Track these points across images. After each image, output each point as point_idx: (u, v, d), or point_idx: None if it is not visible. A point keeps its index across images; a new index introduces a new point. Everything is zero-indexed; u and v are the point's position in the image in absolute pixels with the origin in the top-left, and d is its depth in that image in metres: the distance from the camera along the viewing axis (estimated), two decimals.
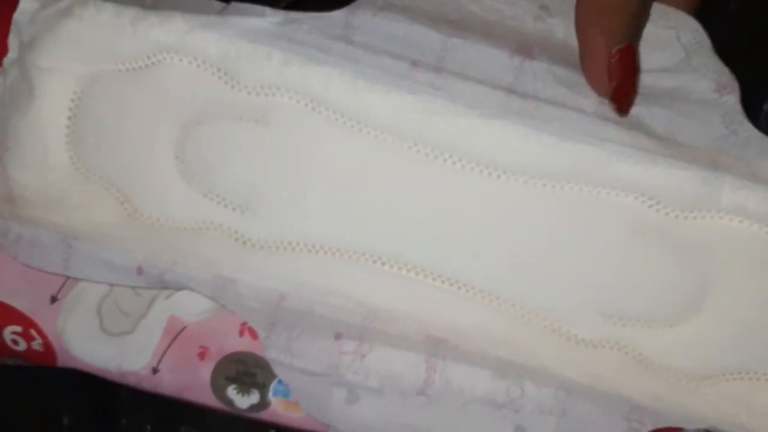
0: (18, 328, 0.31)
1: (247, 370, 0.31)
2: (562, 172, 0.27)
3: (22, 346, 0.31)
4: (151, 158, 0.29)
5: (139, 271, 0.28)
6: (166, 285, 0.29)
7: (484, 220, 0.28)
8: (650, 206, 0.27)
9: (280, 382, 0.31)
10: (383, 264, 0.29)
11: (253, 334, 0.30)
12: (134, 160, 0.29)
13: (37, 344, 0.31)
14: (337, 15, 0.28)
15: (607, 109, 0.27)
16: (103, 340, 0.31)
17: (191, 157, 0.29)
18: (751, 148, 0.27)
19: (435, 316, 0.28)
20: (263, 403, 0.31)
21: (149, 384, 0.32)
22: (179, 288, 0.29)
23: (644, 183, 0.27)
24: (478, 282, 0.28)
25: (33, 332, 0.31)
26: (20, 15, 0.28)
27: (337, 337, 0.28)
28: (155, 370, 0.31)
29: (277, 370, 0.28)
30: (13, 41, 0.29)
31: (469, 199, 0.28)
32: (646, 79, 0.28)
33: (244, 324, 0.30)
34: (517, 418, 0.27)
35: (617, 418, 0.27)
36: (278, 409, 0.31)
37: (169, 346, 0.31)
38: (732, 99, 0.27)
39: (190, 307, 0.31)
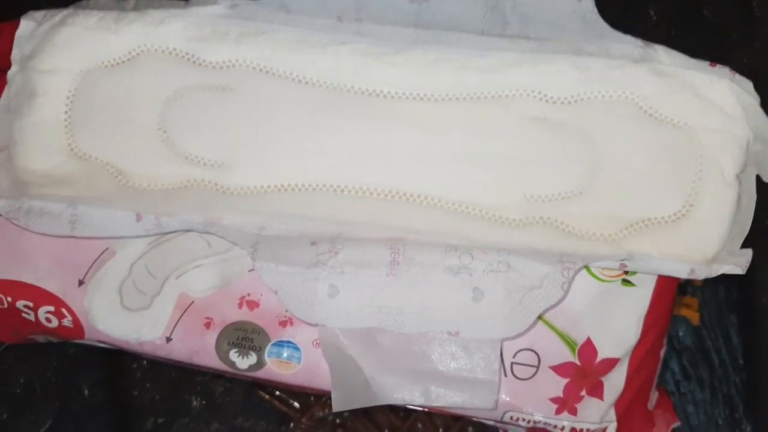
0: (51, 308, 0.35)
1: (246, 336, 0.35)
2: (470, 85, 0.34)
3: (55, 323, 0.35)
4: (138, 135, 0.35)
5: (138, 218, 0.33)
6: (163, 228, 0.34)
7: (419, 139, 0.35)
8: (541, 99, 0.34)
9: (273, 344, 0.35)
10: (342, 191, 0.35)
11: (251, 306, 0.35)
12: (124, 139, 0.35)
13: (67, 321, 0.35)
14: None
15: (491, 25, 0.35)
16: (123, 315, 0.35)
17: (172, 127, 0.35)
18: (607, 38, 0.34)
19: (393, 222, 0.34)
20: (260, 364, 0.36)
21: (163, 351, 0.36)
22: (174, 229, 0.34)
23: (532, 80, 0.34)
24: (420, 190, 0.34)
25: (64, 311, 0.35)
26: (21, 33, 0.35)
27: (313, 243, 0.33)
28: (168, 339, 0.35)
29: (265, 277, 0.32)
30: (15, 56, 0.35)
31: (402, 124, 0.35)
32: None
33: (242, 298, 0.35)
34: (472, 281, 0.32)
35: (553, 261, 0.32)
36: (272, 368, 0.36)
37: (179, 318, 0.35)
38: (589, 4, 0.35)
39: (197, 284, 0.35)
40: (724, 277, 0.47)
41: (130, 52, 0.35)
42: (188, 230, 0.34)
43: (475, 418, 0.37)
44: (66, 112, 0.35)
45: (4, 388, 0.45)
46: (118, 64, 0.35)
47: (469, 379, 0.33)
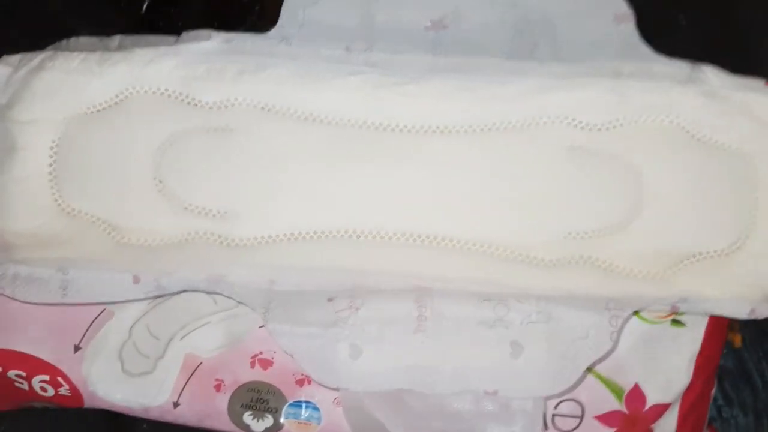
0: (46, 377, 0.32)
1: (261, 397, 0.32)
2: (495, 115, 0.31)
3: (51, 392, 0.33)
4: (131, 185, 0.32)
5: (136, 280, 0.30)
6: (163, 290, 0.30)
7: (440, 176, 0.31)
8: (575, 126, 0.31)
9: (290, 405, 0.32)
10: (359, 236, 0.31)
11: (264, 364, 0.33)
12: (115, 191, 0.32)
13: (64, 390, 0.32)
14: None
15: (518, 49, 0.31)
16: (126, 381, 0.32)
17: (168, 175, 0.32)
18: (648, 60, 0.31)
19: (417, 269, 0.31)
20: (276, 426, 0.33)
21: (171, 416, 0.33)
22: (176, 291, 0.31)
23: (565, 106, 0.31)
24: (447, 232, 0.31)
25: (60, 379, 0.32)
26: None
27: (330, 299, 0.30)
28: (176, 404, 0.32)
29: (280, 341, 0.29)
30: None
31: (420, 160, 0.31)
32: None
33: (254, 356, 0.33)
34: (510, 334, 0.29)
35: (599, 309, 0.29)
36: (290, 430, 0.33)
37: (187, 381, 0.32)
38: (629, 27, 0.31)
39: (204, 344, 0.33)
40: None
41: (117, 95, 0.31)
42: (191, 290, 0.30)
43: None
44: (50, 165, 0.32)
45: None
46: (104, 108, 0.31)
47: None
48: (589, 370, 0.31)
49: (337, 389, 0.30)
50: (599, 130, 0.31)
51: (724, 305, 0.29)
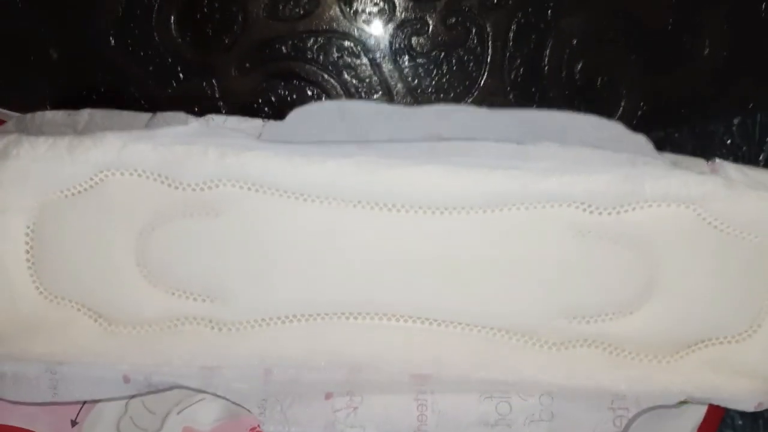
0: None
1: None
2: (498, 197, 0.29)
3: None
4: (114, 271, 0.30)
5: (126, 380, 0.29)
6: (154, 387, 0.30)
7: (439, 256, 0.30)
8: (584, 210, 0.29)
9: None
10: (356, 317, 0.30)
11: None
12: (98, 277, 0.30)
13: None
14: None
15: (521, 131, 0.29)
16: None
17: (152, 261, 0.30)
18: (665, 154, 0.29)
19: (416, 355, 0.30)
20: None
21: None
22: (168, 387, 0.30)
23: (574, 191, 0.29)
24: (448, 314, 0.30)
25: None
26: None
27: (328, 397, 0.29)
28: None
29: None
30: None
31: (419, 240, 0.30)
32: None
33: (253, 429, 0.32)
34: None
35: (602, 409, 0.28)
36: None
37: None
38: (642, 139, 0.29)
39: (202, 418, 0.32)
40: None
41: (92, 178, 0.29)
42: (184, 387, 0.30)
43: None
44: (27, 252, 0.30)
45: None
46: (80, 192, 0.29)
47: None
48: None
49: None
50: (609, 214, 0.29)
51: (730, 398, 0.29)
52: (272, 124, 0.29)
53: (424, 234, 0.29)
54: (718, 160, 0.29)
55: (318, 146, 0.29)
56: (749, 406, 0.29)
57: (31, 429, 0.33)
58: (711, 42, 0.38)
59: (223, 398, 0.30)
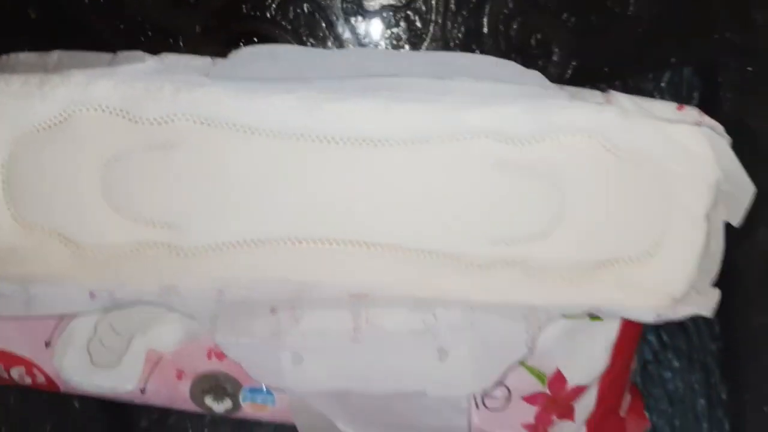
0: (22, 368, 0.36)
1: (219, 384, 0.36)
2: (424, 131, 0.32)
3: (28, 381, 0.36)
4: (81, 200, 0.33)
5: (92, 296, 0.32)
6: (117, 303, 0.33)
7: (373, 186, 0.33)
8: (499, 141, 0.32)
9: (247, 390, 0.36)
10: (300, 243, 0.33)
11: (220, 356, 0.35)
12: (67, 205, 0.33)
13: (41, 379, 0.36)
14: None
15: (435, 69, 0.32)
16: (95, 373, 0.36)
17: (116, 190, 0.33)
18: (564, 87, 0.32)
19: (353, 277, 0.33)
20: (236, 408, 0.36)
21: (140, 400, 0.36)
22: (130, 304, 0.33)
23: (491, 124, 0.32)
24: (382, 239, 0.33)
25: (35, 371, 0.36)
26: None
27: (273, 311, 0.32)
28: (143, 391, 0.36)
29: (227, 351, 0.32)
30: None
31: (358, 171, 0.33)
32: None
33: (210, 349, 0.35)
34: (437, 342, 0.32)
35: (517, 318, 0.32)
36: (248, 411, 0.36)
37: (151, 372, 0.36)
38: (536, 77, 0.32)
39: (164, 339, 0.36)
40: None
41: (61, 114, 0.32)
42: (145, 302, 0.33)
43: None
44: (3, 182, 0.33)
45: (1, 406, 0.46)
46: (50, 127, 0.33)
47: (439, 427, 0.33)
48: None
49: (284, 391, 0.33)
50: (522, 144, 0.32)
51: (632, 312, 0.32)
52: (220, 62, 0.32)
53: (359, 166, 0.32)
54: (612, 92, 0.32)
55: (263, 82, 0.32)
56: (649, 318, 0.32)
57: (9, 350, 0.36)
58: (636, 3, 0.41)
59: (179, 312, 0.33)
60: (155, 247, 0.33)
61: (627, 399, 0.39)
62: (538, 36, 0.41)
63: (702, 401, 0.50)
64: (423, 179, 0.33)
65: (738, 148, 0.31)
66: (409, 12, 0.42)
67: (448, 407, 0.33)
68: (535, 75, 0.31)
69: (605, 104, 0.31)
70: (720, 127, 0.30)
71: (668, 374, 0.50)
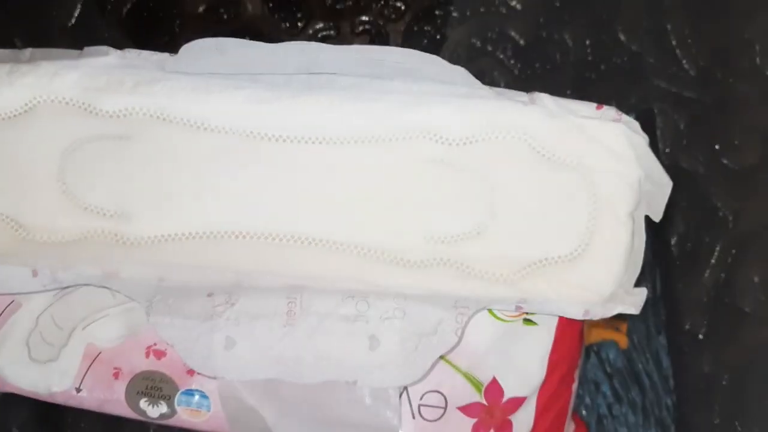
0: None
1: (155, 385, 0.35)
2: (366, 129, 0.34)
3: None
4: (37, 187, 0.34)
5: (34, 274, 0.33)
6: (60, 283, 0.33)
7: (318, 182, 0.34)
8: (434, 141, 0.34)
9: (183, 393, 0.35)
10: (244, 236, 0.34)
11: (158, 355, 0.35)
12: (23, 192, 0.35)
13: None
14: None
15: (372, 65, 0.34)
16: (32, 368, 0.35)
17: (71, 178, 0.35)
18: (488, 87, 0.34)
19: (291, 270, 0.34)
20: (171, 412, 0.36)
21: (74, 401, 0.36)
22: (71, 284, 0.34)
23: (428, 123, 0.34)
24: (323, 235, 0.34)
25: None
26: None
27: (209, 294, 0.33)
28: (78, 390, 0.35)
29: (161, 332, 0.32)
30: None
31: (299, 167, 0.34)
32: None
33: (149, 347, 0.35)
34: (368, 328, 0.32)
35: (448, 307, 0.32)
36: (183, 416, 0.36)
37: (88, 368, 0.35)
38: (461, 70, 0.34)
39: (104, 334, 0.35)
40: (650, 301, 0.47)
41: (26, 104, 0.34)
42: (85, 284, 0.33)
43: None
44: None
45: None
46: (15, 116, 0.34)
47: (371, 424, 0.33)
48: (451, 364, 0.34)
49: (214, 378, 0.33)
50: (458, 145, 0.34)
51: (561, 306, 0.32)
52: (173, 58, 0.35)
53: (301, 163, 0.34)
54: (535, 93, 0.34)
55: (216, 78, 0.34)
56: (578, 315, 0.33)
57: None
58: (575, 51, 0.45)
59: (119, 292, 0.33)
60: (102, 235, 0.34)
61: (571, 426, 0.39)
62: (486, 79, 0.45)
63: None
64: (362, 177, 0.34)
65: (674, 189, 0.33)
66: None
67: (380, 402, 0.32)
68: (460, 71, 0.33)
69: (529, 104, 0.33)
70: (636, 124, 0.32)
71: (624, 430, 0.49)
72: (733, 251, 0.45)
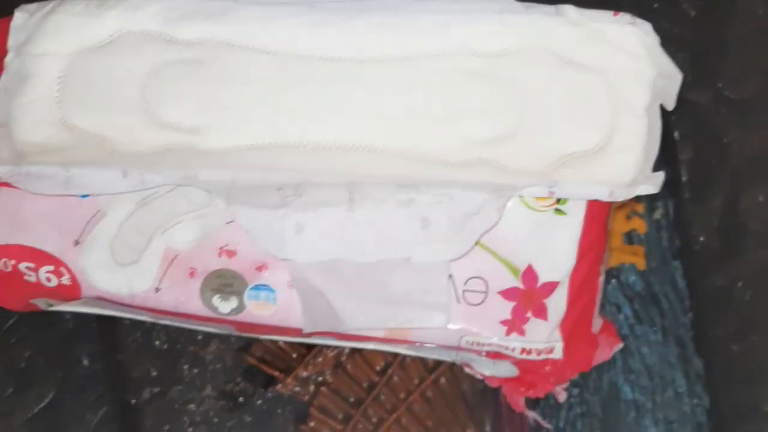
0: (51, 267, 0.39)
1: (226, 282, 0.40)
2: (411, 46, 0.39)
3: (54, 282, 0.40)
4: (122, 106, 0.39)
5: (124, 174, 0.38)
6: (146, 184, 0.38)
7: (368, 96, 0.39)
8: (472, 54, 0.39)
9: (252, 288, 0.40)
10: (305, 146, 0.39)
11: (229, 254, 0.40)
12: (110, 111, 0.39)
13: (66, 279, 0.39)
14: None
15: None
16: (116, 271, 0.39)
17: (152, 98, 0.39)
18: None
19: (349, 171, 0.38)
20: (240, 307, 0.40)
21: (153, 302, 0.40)
22: (156, 184, 0.38)
23: (465, 39, 0.39)
24: (374, 141, 0.39)
25: (62, 269, 0.39)
26: (16, 23, 0.40)
27: (279, 189, 0.38)
28: (157, 290, 0.39)
29: (239, 219, 0.37)
30: (12, 43, 0.40)
31: (353, 83, 0.39)
32: None
33: (221, 248, 0.39)
34: (420, 211, 0.37)
35: (490, 190, 0.37)
36: (252, 310, 0.40)
37: (166, 270, 0.39)
38: None
39: (181, 238, 0.39)
40: (666, 227, 0.51)
41: (111, 35, 0.39)
42: (170, 184, 0.38)
43: (437, 345, 0.41)
44: (58, 91, 0.39)
45: (10, 364, 0.49)
46: (102, 46, 0.39)
47: (423, 301, 0.37)
48: (491, 252, 0.39)
49: (285, 260, 0.37)
50: (491, 57, 0.39)
51: (588, 189, 0.37)
52: None
53: (355, 80, 0.39)
54: (560, 5, 0.39)
55: (279, 6, 0.39)
56: (604, 195, 0.37)
57: (41, 248, 0.40)
58: None
59: (198, 188, 0.38)
60: (180, 147, 0.39)
61: (599, 321, 0.43)
62: None
63: (680, 376, 0.52)
64: (408, 90, 0.39)
65: None
66: None
67: (431, 282, 0.37)
68: None
69: (555, 15, 0.38)
70: (649, 26, 0.37)
71: (645, 349, 0.53)
72: (739, 175, 0.49)
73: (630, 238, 0.54)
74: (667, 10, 0.50)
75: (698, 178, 0.51)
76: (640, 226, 0.52)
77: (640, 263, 0.52)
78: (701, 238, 0.50)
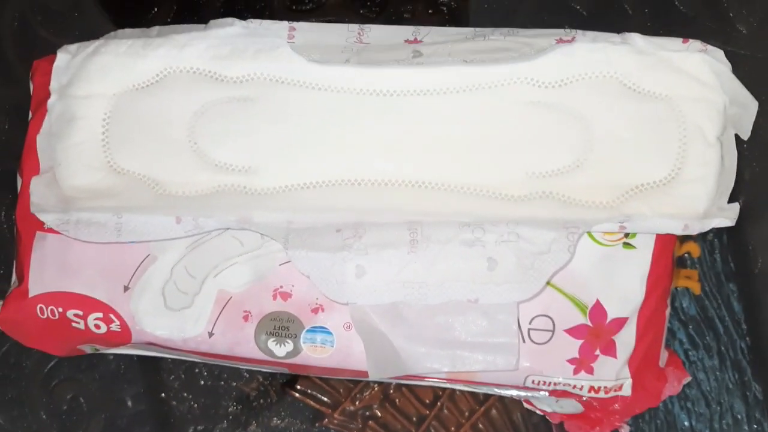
0: (100, 314, 0.38)
1: (282, 325, 0.38)
2: (469, 78, 0.38)
3: (103, 329, 0.38)
4: (171, 148, 0.38)
5: (178, 220, 0.37)
6: (201, 228, 0.37)
7: (425, 131, 0.38)
8: (532, 85, 0.37)
9: (308, 331, 0.38)
10: (360, 183, 0.38)
11: (284, 296, 0.38)
12: (158, 152, 0.38)
13: (115, 326, 0.38)
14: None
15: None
16: (168, 316, 0.38)
17: (201, 138, 0.38)
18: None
19: (407, 209, 0.37)
20: (296, 350, 0.39)
21: (206, 346, 0.39)
22: (211, 228, 0.37)
23: (525, 70, 0.37)
24: (431, 177, 0.38)
25: (112, 316, 0.38)
26: (58, 65, 0.39)
27: (338, 230, 0.36)
28: (210, 334, 0.38)
29: (298, 263, 0.36)
30: (54, 86, 0.39)
31: (409, 118, 0.38)
32: None
33: (276, 290, 0.38)
34: (486, 252, 0.35)
35: (558, 228, 0.35)
36: (308, 353, 0.39)
37: (219, 313, 0.38)
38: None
39: (233, 281, 0.38)
40: (720, 249, 0.50)
41: (157, 74, 0.38)
42: (224, 228, 0.37)
43: (498, 385, 0.39)
44: (103, 133, 0.38)
45: (53, 405, 0.48)
46: (148, 85, 0.38)
47: (490, 343, 0.36)
48: (557, 289, 0.37)
49: (346, 304, 0.36)
50: (553, 87, 0.37)
51: (661, 223, 0.35)
52: (300, 26, 0.38)
53: (412, 114, 0.38)
54: (626, 33, 0.38)
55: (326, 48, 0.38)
56: (678, 229, 0.36)
57: (90, 295, 0.39)
58: None
59: (255, 231, 0.36)
60: (232, 188, 0.38)
61: (665, 354, 0.41)
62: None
63: (738, 402, 0.51)
64: (467, 124, 0.38)
65: None
66: None
67: (499, 324, 0.35)
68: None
69: (622, 44, 0.37)
70: (720, 53, 0.36)
71: (702, 375, 0.51)
72: None
73: (683, 261, 0.52)
74: (720, 28, 0.49)
75: (755, 198, 0.50)
76: (693, 249, 0.50)
77: (696, 287, 0.51)
78: (760, 260, 0.49)
